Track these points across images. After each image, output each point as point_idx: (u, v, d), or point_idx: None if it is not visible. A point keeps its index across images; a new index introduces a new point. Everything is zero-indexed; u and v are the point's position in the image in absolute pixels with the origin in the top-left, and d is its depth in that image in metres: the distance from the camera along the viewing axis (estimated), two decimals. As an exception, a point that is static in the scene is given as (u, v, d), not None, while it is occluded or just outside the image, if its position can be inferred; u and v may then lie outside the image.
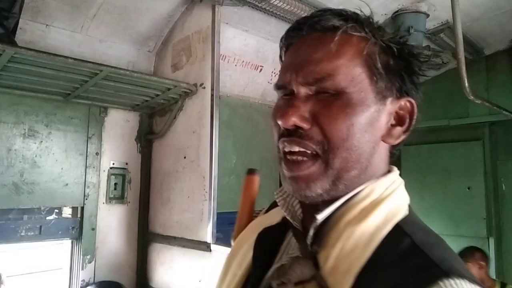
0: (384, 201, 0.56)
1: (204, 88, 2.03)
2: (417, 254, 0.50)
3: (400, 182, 0.60)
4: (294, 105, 0.55)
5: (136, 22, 2.16)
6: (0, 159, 1.88)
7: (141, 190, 2.32)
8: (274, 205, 0.74)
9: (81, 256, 2.10)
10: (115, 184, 2.22)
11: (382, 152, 0.58)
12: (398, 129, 0.58)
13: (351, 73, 0.54)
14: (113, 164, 2.22)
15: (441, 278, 0.46)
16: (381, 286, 0.48)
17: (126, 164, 2.27)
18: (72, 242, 2.15)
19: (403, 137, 0.58)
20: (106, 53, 2.14)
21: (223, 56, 2.42)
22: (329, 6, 2.35)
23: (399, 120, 0.58)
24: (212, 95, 1.98)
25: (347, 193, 0.56)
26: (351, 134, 0.54)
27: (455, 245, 3.47)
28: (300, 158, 0.55)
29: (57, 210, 2.12)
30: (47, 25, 1.98)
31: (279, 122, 0.56)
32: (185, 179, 2.10)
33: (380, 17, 2.62)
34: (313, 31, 0.57)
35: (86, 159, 2.12)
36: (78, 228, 2.13)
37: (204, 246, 1.89)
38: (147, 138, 2.34)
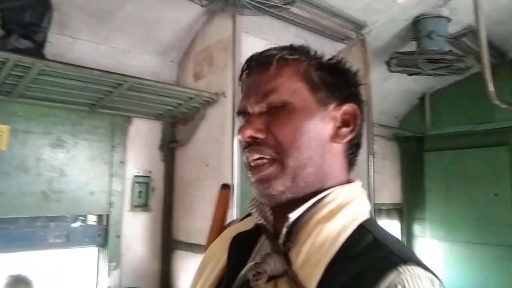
0: (349, 205, 0.65)
1: (225, 96, 2.05)
2: (379, 247, 0.59)
3: (362, 191, 0.70)
4: (249, 121, 0.67)
5: (159, 33, 2.21)
6: (29, 168, 1.94)
7: (164, 197, 2.36)
8: (248, 215, 0.81)
9: (107, 263, 2.14)
10: (139, 192, 2.25)
11: (335, 153, 0.68)
12: (344, 130, 0.69)
13: (292, 87, 0.66)
14: (137, 172, 2.26)
15: (400, 264, 0.54)
16: (348, 275, 0.55)
17: (150, 172, 2.31)
18: (98, 250, 2.20)
19: (349, 136, 0.69)
20: (129, 63, 2.19)
21: (243, 64, 2.44)
22: (349, 13, 2.35)
23: (344, 122, 0.69)
24: (233, 103, 2.01)
25: (309, 190, 0.65)
26: (298, 135, 0.64)
27: (482, 254, 3.39)
28: (260, 162, 0.65)
29: (82, 218, 2.16)
30: (73, 38, 2.04)
31: (239, 137, 0.67)
32: (207, 187, 2.12)
33: (400, 23, 2.61)
34: (259, 64, 0.70)
35: (111, 167, 2.17)
36: (103, 236, 2.17)
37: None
38: (170, 147, 2.38)
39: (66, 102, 1.99)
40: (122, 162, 2.21)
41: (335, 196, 0.65)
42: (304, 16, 2.23)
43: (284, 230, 0.63)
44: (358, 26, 2.57)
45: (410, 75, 2.91)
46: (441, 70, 2.70)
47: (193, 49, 2.31)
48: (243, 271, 0.65)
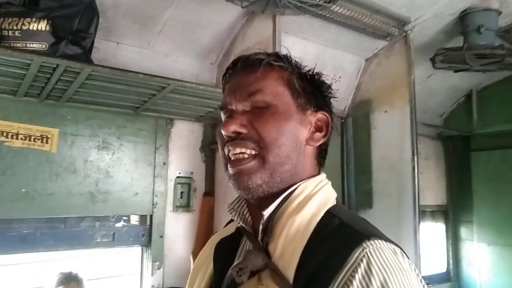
0: (316, 195, 0.71)
1: (265, 97, 2.04)
2: (344, 228, 0.65)
3: (327, 182, 0.77)
4: (233, 117, 0.72)
5: (199, 36, 2.23)
6: (78, 170, 2.01)
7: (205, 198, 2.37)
8: (230, 222, 0.87)
9: (150, 263, 2.18)
10: (181, 192, 2.29)
11: (308, 154, 0.75)
12: (318, 135, 0.76)
13: (276, 90, 0.73)
14: (179, 173, 2.29)
15: (364, 240, 0.60)
16: (320, 257, 0.60)
17: (191, 173, 2.34)
18: (142, 249, 2.25)
19: (322, 141, 0.77)
20: (171, 67, 2.23)
21: (283, 65, 2.43)
22: (391, 9, 2.29)
23: (318, 128, 0.77)
24: (273, 104, 1.99)
25: (283, 186, 0.70)
26: (280, 134, 0.70)
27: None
28: (241, 156, 0.70)
29: (125, 218, 2.22)
30: (117, 43, 2.10)
31: (223, 132, 0.71)
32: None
33: (446, 18, 2.51)
34: (245, 65, 0.75)
35: (154, 169, 2.22)
36: (147, 236, 2.22)
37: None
38: (210, 148, 2.40)
39: (111, 105, 2.05)
40: (165, 164, 2.25)
41: (302, 189, 0.71)
42: (345, 14, 2.18)
43: (261, 227, 0.69)
44: (401, 23, 2.49)
45: (456, 71, 2.79)
46: (490, 66, 2.57)
47: (233, 51, 2.31)
48: (229, 272, 0.70)
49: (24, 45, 1.56)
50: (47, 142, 1.93)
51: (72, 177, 1.99)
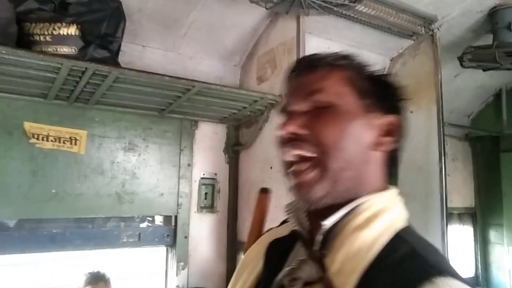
0: (385, 212, 0.64)
1: (289, 98, 2.03)
2: (415, 257, 0.58)
3: (399, 199, 0.70)
4: (292, 117, 0.68)
5: (223, 38, 2.25)
6: (105, 171, 2.05)
7: (229, 199, 2.39)
8: (285, 221, 0.83)
9: (175, 263, 2.20)
10: (205, 194, 2.30)
11: (375, 161, 0.69)
12: (387, 139, 0.69)
13: (338, 90, 0.67)
14: (203, 174, 2.31)
15: (435, 276, 0.53)
16: (382, 284, 0.55)
17: (215, 174, 2.35)
18: (167, 249, 2.28)
19: (391, 146, 0.70)
20: (196, 69, 2.25)
21: (306, 65, 2.42)
22: (417, 7, 2.25)
23: (387, 132, 0.70)
24: (297, 105, 1.98)
25: (348, 196, 0.64)
26: (342, 137, 0.64)
27: None
28: (301, 166, 0.65)
29: (150, 218, 2.25)
30: (143, 46, 2.13)
31: (281, 132, 0.67)
32: (272, 189, 2.11)
33: (474, 15, 2.45)
34: (307, 66, 0.71)
35: (179, 170, 2.24)
36: (172, 236, 2.24)
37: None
38: (234, 149, 2.41)
39: (137, 107, 2.08)
40: (189, 165, 2.27)
41: (371, 204, 0.65)
42: (370, 13, 2.15)
43: (320, 238, 0.64)
44: (428, 21, 2.44)
45: (485, 70, 2.72)
46: (521, 64, 2.49)
47: (257, 52, 2.32)
48: (279, 276, 0.66)
49: (55, 49, 1.60)
50: (75, 144, 1.98)
51: (100, 178, 2.03)
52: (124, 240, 2.14)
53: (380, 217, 0.63)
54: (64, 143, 1.95)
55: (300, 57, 0.79)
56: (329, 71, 0.69)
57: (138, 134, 2.15)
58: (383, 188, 0.69)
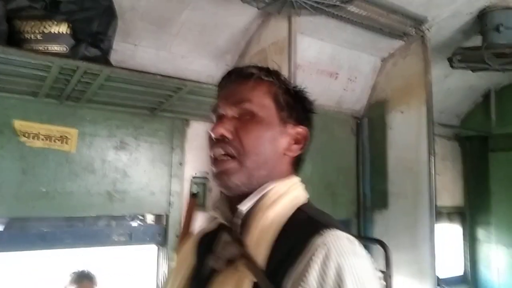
0: (288, 194, 0.80)
1: (281, 98, 2.04)
2: (309, 221, 0.74)
3: (299, 184, 0.85)
4: (222, 121, 0.80)
5: (215, 38, 2.25)
6: (96, 170, 2.04)
7: (220, 198, 2.39)
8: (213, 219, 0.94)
9: (166, 261, 2.21)
10: (197, 192, 2.30)
11: (285, 163, 0.84)
12: (296, 147, 0.84)
13: (263, 102, 0.81)
14: (195, 173, 2.31)
15: (323, 229, 0.69)
16: (287, 245, 0.70)
17: (207, 173, 2.35)
18: (158, 248, 2.28)
19: (298, 152, 0.85)
20: (187, 68, 2.25)
21: (298, 65, 2.42)
22: (408, 9, 2.27)
23: (297, 141, 0.84)
24: (289, 105, 1.99)
25: (260, 188, 0.78)
26: (260, 143, 0.78)
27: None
28: (224, 157, 0.78)
29: (141, 217, 2.25)
30: (135, 45, 2.12)
31: (211, 133, 0.80)
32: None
33: (464, 17, 2.48)
34: (239, 76, 0.84)
35: (171, 169, 2.24)
36: (163, 235, 2.24)
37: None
38: (225, 148, 2.41)
39: (129, 106, 2.08)
40: (181, 164, 2.28)
41: (277, 189, 0.79)
42: (361, 14, 2.17)
43: (238, 221, 0.78)
44: (418, 22, 2.47)
45: (474, 71, 2.75)
46: (510, 65, 2.53)
47: (249, 52, 2.33)
48: (207, 260, 0.80)
49: (45, 48, 1.59)
50: (66, 143, 1.97)
51: (91, 177, 2.03)
52: (115, 238, 2.14)
53: (283, 197, 0.78)
54: (54, 141, 1.94)
55: (232, 68, 0.89)
56: (257, 84, 0.82)
57: (130, 133, 2.14)
58: (285, 177, 0.83)
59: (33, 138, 1.89)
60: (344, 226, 0.74)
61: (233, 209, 0.81)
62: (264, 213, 0.76)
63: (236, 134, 0.78)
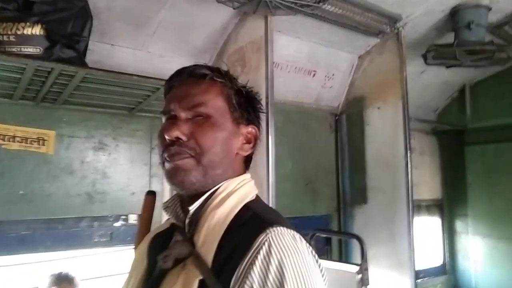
0: (236, 192, 0.80)
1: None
2: (255, 218, 0.75)
3: (249, 180, 0.85)
4: (177, 123, 0.79)
5: (193, 37, 2.25)
6: (74, 171, 2.03)
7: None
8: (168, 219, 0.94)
9: (148, 261, 2.21)
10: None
11: (237, 161, 0.85)
12: (247, 146, 0.86)
13: (216, 104, 0.81)
14: (175, 173, 2.31)
15: (268, 227, 0.69)
16: (232, 243, 0.70)
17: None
18: (139, 248, 2.27)
19: (250, 151, 0.87)
20: (165, 67, 2.24)
21: (276, 63, 2.45)
22: (382, 7, 2.31)
23: (248, 140, 0.86)
24: (267, 103, 2.02)
25: (212, 186, 0.79)
26: (215, 143, 0.79)
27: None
28: (179, 155, 0.77)
29: (124, 217, 2.25)
30: (112, 44, 2.11)
31: (166, 136, 0.78)
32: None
33: (437, 14, 2.54)
34: (190, 76, 0.83)
35: (150, 169, 2.24)
36: (144, 235, 2.24)
37: (264, 252, 1.92)
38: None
39: (106, 107, 2.07)
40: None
41: (225, 187, 0.80)
42: (337, 12, 2.21)
43: (187, 221, 0.79)
44: (393, 20, 2.52)
45: (448, 67, 2.82)
46: (481, 61, 2.60)
47: (226, 51, 2.34)
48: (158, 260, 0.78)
49: (19, 49, 1.58)
50: (43, 144, 1.95)
51: (70, 178, 2.02)
52: (96, 239, 2.13)
53: (232, 196, 0.79)
54: (31, 143, 1.93)
55: (183, 67, 0.86)
56: (210, 86, 0.82)
57: (108, 133, 2.14)
58: (237, 175, 0.84)
59: (9, 140, 1.87)
60: (290, 223, 0.75)
61: (185, 209, 0.81)
62: (212, 211, 0.76)
63: (191, 135, 0.78)
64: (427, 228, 3.82)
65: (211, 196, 0.79)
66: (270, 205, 1.95)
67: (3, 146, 1.85)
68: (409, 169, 2.51)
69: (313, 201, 2.88)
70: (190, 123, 0.79)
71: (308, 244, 0.72)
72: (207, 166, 0.78)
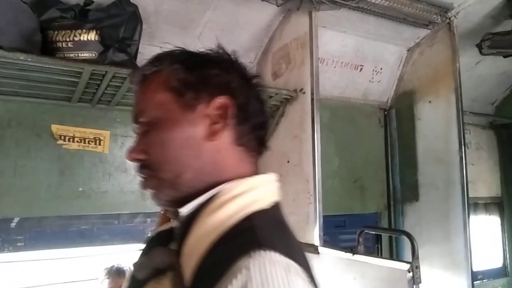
0: (240, 197, 0.63)
1: (304, 93, 2.06)
2: (248, 233, 0.57)
3: (267, 183, 0.68)
4: (134, 143, 0.70)
5: (238, 36, 2.29)
6: (128, 169, 2.13)
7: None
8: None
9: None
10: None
11: (219, 149, 0.66)
12: (217, 126, 0.66)
13: (156, 101, 0.67)
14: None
15: (254, 249, 0.52)
16: (215, 260, 0.54)
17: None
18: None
19: (224, 130, 0.66)
20: (212, 67, 2.30)
21: (321, 59, 2.43)
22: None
23: (219, 116, 0.66)
24: (312, 99, 2.01)
25: (201, 187, 0.64)
26: (166, 149, 0.65)
27: None
28: (143, 179, 0.68)
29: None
30: (160, 47, 2.20)
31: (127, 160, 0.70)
32: (289, 183, 2.15)
33: (492, 1, 2.43)
34: (133, 84, 0.73)
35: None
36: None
37: (312, 249, 1.91)
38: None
39: (157, 107, 2.15)
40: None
41: (227, 190, 0.64)
42: (383, 4, 2.15)
43: (178, 225, 0.67)
44: (444, 9, 2.41)
45: (506, 57, 2.66)
46: (543, 49, 2.43)
47: (271, 49, 2.35)
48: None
49: (76, 55, 1.68)
50: (99, 144, 2.07)
51: (123, 176, 2.12)
52: (149, 235, 2.22)
53: (234, 201, 0.62)
54: (88, 143, 2.04)
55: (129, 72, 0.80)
56: (146, 84, 0.69)
57: (159, 132, 2.21)
58: (249, 172, 0.69)
59: (69, 140, 2.00)
60: (298, 248, 0.61)
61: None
62: (205, 218, 0.61)
63: (147, 151, 0.67)
64: (486, 228, 3.63)
65: (211, 200, 0.64)
66: (317, 202, 1.94)
67: (64, 146, 1.98)
68: (464, 165, 2.40)
69: (362, 198, 2.82)
70: (144, 137, 0.68)
71: (311, 280, 0.55)
72: (169, 178, 0.65)
